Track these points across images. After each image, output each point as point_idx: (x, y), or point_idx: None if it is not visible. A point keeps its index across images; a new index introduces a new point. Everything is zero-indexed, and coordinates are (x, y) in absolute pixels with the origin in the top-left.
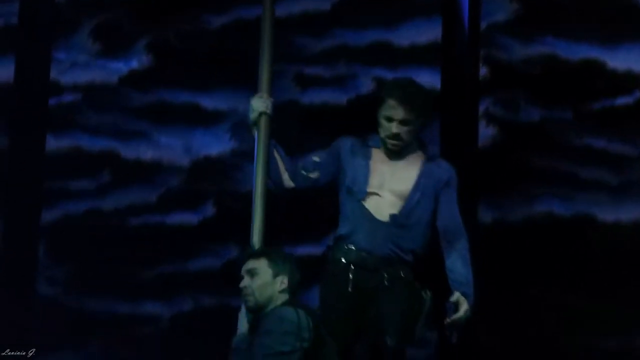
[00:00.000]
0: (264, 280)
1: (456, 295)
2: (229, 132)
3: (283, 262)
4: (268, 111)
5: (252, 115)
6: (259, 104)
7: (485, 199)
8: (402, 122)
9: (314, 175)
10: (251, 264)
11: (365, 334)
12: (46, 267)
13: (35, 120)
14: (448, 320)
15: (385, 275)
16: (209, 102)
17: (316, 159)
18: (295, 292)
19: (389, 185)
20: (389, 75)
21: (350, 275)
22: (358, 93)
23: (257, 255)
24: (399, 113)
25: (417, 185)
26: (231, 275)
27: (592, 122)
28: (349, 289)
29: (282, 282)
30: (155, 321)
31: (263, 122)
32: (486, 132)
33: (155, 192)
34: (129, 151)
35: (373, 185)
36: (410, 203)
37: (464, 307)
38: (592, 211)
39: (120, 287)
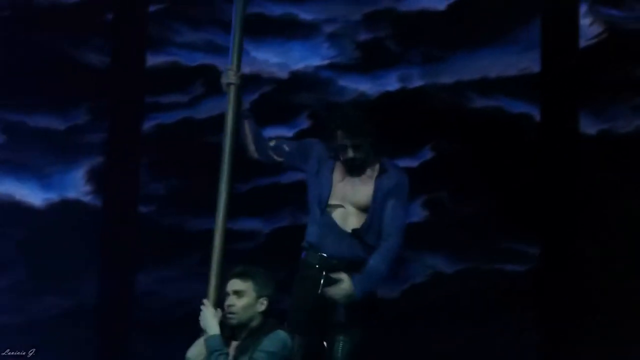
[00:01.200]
0: (249, 302)
1: (341, 275)
2: (327, 42)
3: (266, 284)
4: (235, 82)
5: (223, 88)
6: (225, 78)
7: (588, 108)
8: (355, 147)
9: (279, 158)
10: (238, 284)
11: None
12: (145, 185)
13: (135, 37)
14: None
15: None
16: (306, 14)
17: (286, 148)
18: (272, 310)
19: (351, 198)
20: None
21: (322, 280)
22: None
23: (244, 276)
24: (350, 141)
25: (375, 200)
26: None
27: None
28: (319, 292)
29: (263, 303)
30: (253, 236)
31: (232, 92)
32: (589, 31)
33: (251, 105)
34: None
35: (336, 198)
36: (371, 216)
37: (342, 286)
38: None
39: (213, 202)
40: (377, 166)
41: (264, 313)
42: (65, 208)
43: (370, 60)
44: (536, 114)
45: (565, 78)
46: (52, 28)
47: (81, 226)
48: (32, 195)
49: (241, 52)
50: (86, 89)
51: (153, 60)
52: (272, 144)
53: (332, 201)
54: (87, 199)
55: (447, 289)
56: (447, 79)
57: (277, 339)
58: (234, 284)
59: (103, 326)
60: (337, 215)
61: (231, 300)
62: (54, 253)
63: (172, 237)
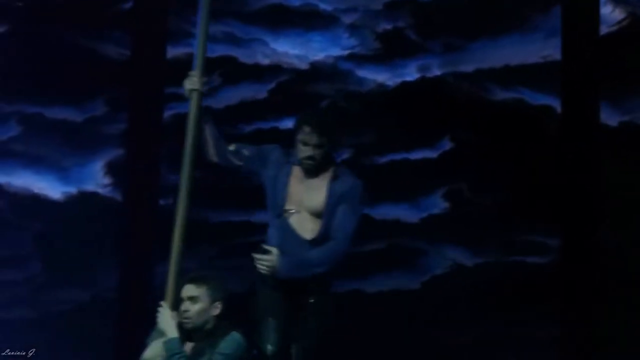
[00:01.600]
0: (203, 307)
1: (273, 249)
2: (347, 33)
3: (220, 288)
4: (198, 88)
5: (185, 93)
6: (188, 83)
7: (609, 100)
8: (316, 146)
9: (238, 163)
10: (192, 290)
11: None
12: (164, 176)
13: (155, 29)
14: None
15: (311, 291)
16: (325, 4)
17: (246, 152)
18: (225, 314)
19: (306, 203)
20: None
21: (282, 284)
22: None
23: (197, 282)
24: (313, 138)
25: (327, 206)
26: None
27: None
28: (280, 295)
29: (217, 307)
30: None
31: (194, 98)
32: (611, 18)
33: (269, 93)
34: (247, 57)
35: (292, 203)
36: (325, 222)
37: (268, 256)
38: None
39: (234, 195)
40: (331, 172)
41: (218, 316)
42: (83, 201)
43: (390, 51)
44: (557, 106)
45: (587, 66)
46: (69, 19)
47: (99, 219)
48: (50, 188)
49: (204, 57)
50: (104, 80)
51: (173, 51)
52: (231, 148)
53: (288, 206)
54: (105, 191)
55: (467, 281)
56: (467, 67)
57: (233, 340)
58: (188, 290)
59: (121, 319)
60: (293, 220)
61: (186, 305)
62: (71, 246)
63: (191, 229)
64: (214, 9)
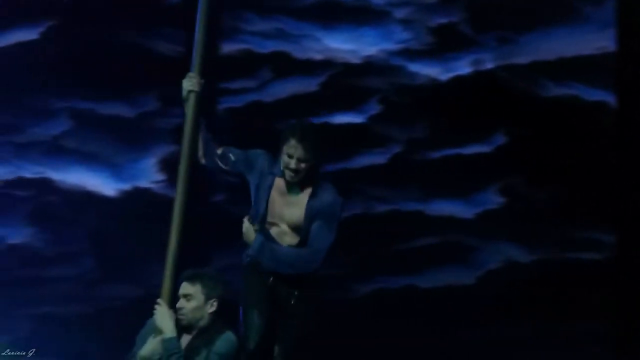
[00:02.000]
0: (198, 304)
1: (255, 225)
2: (399, 27)
3: (215, 286)
4: (196, 89)
5: (183, 94)
6: (187, 84)
7: None
8: (300, 160)
9: (225, 167)
10: (187, 288)
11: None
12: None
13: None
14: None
15: (295, 294)
16: None
17: (232, 157)
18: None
19: (286, 217)
20: None
21: (269, 279)
22: None
23: (192, 279)
24: (298, 152)
25: (305, 222)
26: (396, 173)
27: None
28: (265, 282)
29: (213, 304)
30: None
31: (191, 99)
32: None
33: (320, 87)
34: (299, 52)
35: (273, 215)
36: (303, 237)
37: (248, 233)
38: None
39: None
40: (312, 188)
41: (213, 313)
42: (136, 197)
43: (442, 45)
44: (612, 101)
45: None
46: (121, 15)
47: (153, 215)
48: (104, 185)
49: (203, 59)
50: (155, 75)
51: (225, 47)
52: (219, 151)
53: (269, 219)
54: (158, 187)
55: (522, 277)
56: (520, 60)
57: (227, 340)
58: (183, 288)
59: None
60: (273, 232)
61: (181, 303)
62: (124, 243)
63: (227, 226)
64: (267, 5)
